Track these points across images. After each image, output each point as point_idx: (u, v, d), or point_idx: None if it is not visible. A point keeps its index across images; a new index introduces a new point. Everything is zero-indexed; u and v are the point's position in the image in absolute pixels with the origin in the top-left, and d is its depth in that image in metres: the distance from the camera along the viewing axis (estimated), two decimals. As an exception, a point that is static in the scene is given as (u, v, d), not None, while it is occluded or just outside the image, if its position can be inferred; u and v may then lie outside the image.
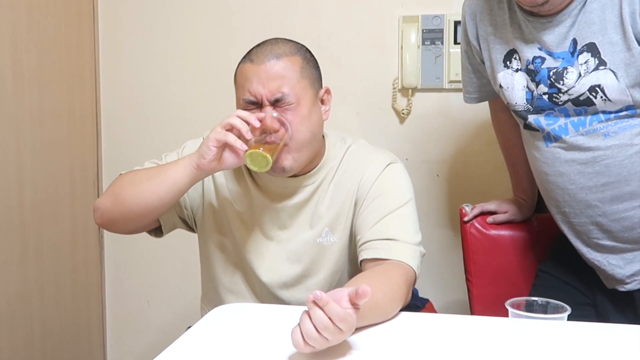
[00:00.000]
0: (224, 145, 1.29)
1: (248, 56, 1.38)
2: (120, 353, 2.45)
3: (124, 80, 2.31)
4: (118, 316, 2.43)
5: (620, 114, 1.37)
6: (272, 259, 1.45)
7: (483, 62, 1.56)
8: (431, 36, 2.05)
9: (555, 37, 1.39)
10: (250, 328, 1.20)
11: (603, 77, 1.35)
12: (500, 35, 1.49)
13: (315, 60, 1.44)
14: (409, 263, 1.31)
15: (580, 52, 1.37)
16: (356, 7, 2.12)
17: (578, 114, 1.40)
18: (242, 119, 1.29)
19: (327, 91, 1.45)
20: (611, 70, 1.34)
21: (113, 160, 2.34)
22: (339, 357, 1.03)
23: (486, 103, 1.74)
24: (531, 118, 1.46)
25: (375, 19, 2.11)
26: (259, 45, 1.40)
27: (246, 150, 1.27)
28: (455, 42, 2.03)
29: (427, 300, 1.68)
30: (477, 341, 1.13)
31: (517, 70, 1.46)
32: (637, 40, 1.32)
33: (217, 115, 1.36)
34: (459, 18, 1.64)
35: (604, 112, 1.38)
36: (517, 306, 1.03)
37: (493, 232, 1.76)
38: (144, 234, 1.50)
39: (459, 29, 1.97)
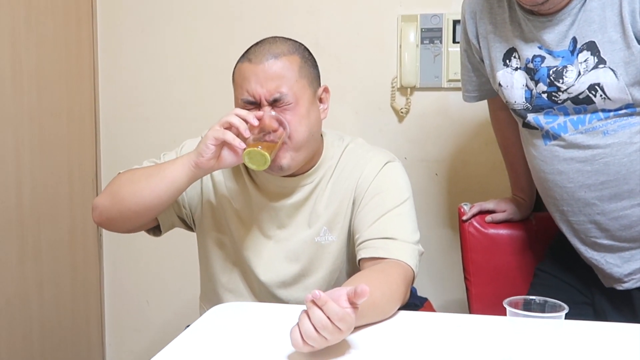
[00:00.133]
0: (223, 144, 1.29)
1: (246, 55, 1.38)
2: (119, 352, 2.45)
3: (122, 79, 2.31)
4: (117, 315, 2.43)
5: (620, 112, 1.37)
6: (270, 257, 1.45)
7: (482, 61, 1.56)
8: (430, 35, 2.05)
9: (555, 35, 1.39)
10: (249, 327, 1.20)
11: (603, 76, 1.35)
12: (499, 34, 1.49)
13: (314, 59, 1.44)
14: (408, 262, 1.31)
15: (580, 51, 1.37)
16: (355, 6, 2.12)
17: (577, 112, 1.40)
18: (240, 117, 1.29)
19: (326, 90, 1.45)
20: (611, 69, 1.34)
21: (111, 160, 2.34)
22: (338, 356, 1.04)
23: (485, 102, 1.74)
24: (530, 116, 1.46)
25: (374, 18, 2.11)
26: (256, 44, 1.39)
27: (244, 149, 1.27)
28: (454, 41, 2.03)
29: (425, 299, 1.68)
30: (475, 340, 1.13)
31: (516, 69, 1.46)
32: (636, 39, 1.32)
33: (216, 114, 1.36)
34: (458, 17, 1.65)
35: (603, 110, 1.38)
36: (515, 305, 1.03)
37: (491, 231, 1.76)
38: (143, 233, 1.50)
39: (458, 28, 1.97)
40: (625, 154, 1.38)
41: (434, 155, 2.13)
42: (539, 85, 1.42)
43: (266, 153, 1.26)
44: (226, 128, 1.29)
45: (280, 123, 1.32)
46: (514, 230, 1.76)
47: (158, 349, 1.08)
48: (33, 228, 2.05)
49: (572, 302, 1.13)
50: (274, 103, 1.34)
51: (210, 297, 1.54)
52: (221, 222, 1.48)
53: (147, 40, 2.28)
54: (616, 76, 1.34)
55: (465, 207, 1.78)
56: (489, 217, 1.76)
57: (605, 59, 1.34)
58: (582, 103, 1.38)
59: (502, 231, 1.76)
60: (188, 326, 1.21)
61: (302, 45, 1.43)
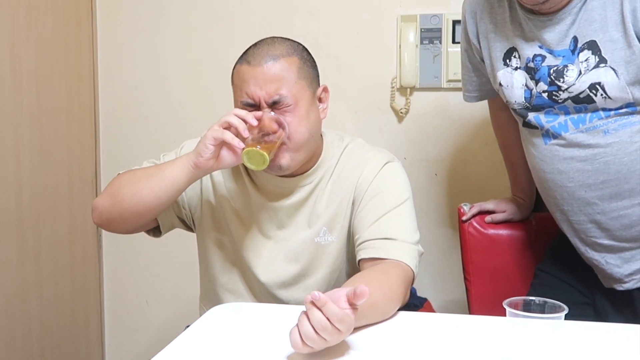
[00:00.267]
0: (222, 144, 1.29)
1: (245, 57, 1.37)
2: (118, 352, 2.45)
3: (122, 79, 2.31)
4: (116, 315, 2.43)
5: (620, 111, 1.37)
6: (270, 258, 1.45)
7: (483, 61, 1.56)
8: (429, 35, 2.05)
9: (556, 35, 1.39)
10: (249, 327, 1.20)
11: (603, 75, 1.35)
12: (500, 34, 1.49)
13: (313, 59, 1.43)
14: (407, 262, 1.31)
15: (581, 50, 1.37)
16: (355, 7, 2.12)
17: (578, 111, 1.40)
18: (239, 117, 1.29)
19: (325, 89, 1.44)
20: (611, 68, 1.34)
21: (111, 160, 2.33)
22: (338, 357, 1.03)
23: (485, 102, 1.74)
24: (531, 116, 1.46)
25: (373, 18, 2.11)
26: (255, 45, 1.39)
27: (243, 148, 1.27)
28: (454, 42, 2.03)
29: (425, 300, 1.68)
30: (474, 340, 1.13)
31: (516, 69, 1.46)
32: (637, 38, 1.32)
33: (216, 114, 1.36)
34: (458, 17, 1.64)
35: (604, 109, 1.38)
36: (514, 305, 1.03)
37: (491, 231, 1.75)
38: (142, 233, 1.50)
39: (458, 28, 1.98)
40: (625, 153, 1.38)
41: (433, 156, 2.12)
42: (539, 84, 1.42)
43: (265, 153, 1.26)
44: (225, 128, 1.29)
45: (280, 124, 1.32)
46: (514, 230, 1.76)
47: (158, 349, 1.08)
48: (33, 228, 2.05)
49: (573, 303, 1.13)
50: (274, 105, 1.34)
51: (210, 297, 1.54)
52: (220, 221, 1.48)
53: (146, 40, 2.28)
54: (617, 75, 1.34)
55: (465, 207, 1.78)
56: (488, 218, 1.75)
57: (606, 58, 1.34)
58: (583, 102, 1.38)
59: (502, 231, 1.76)
60: (188, 326, 1.21)
61: (301, 45, 1.43)
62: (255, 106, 1.34)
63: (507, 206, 1.76)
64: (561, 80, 1.39)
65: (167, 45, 2.26)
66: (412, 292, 1.41)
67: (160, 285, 2.38)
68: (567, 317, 1.02)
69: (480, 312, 1.56)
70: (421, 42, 2.06)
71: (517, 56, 1.46)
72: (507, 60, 1.48)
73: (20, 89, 1.98)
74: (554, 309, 1.02)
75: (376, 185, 1.41)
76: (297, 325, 1.01)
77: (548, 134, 1.45)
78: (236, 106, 1.38)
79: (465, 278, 1.78)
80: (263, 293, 1.47)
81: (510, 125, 1.66)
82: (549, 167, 1.46)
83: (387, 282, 1.23)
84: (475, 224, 1.76)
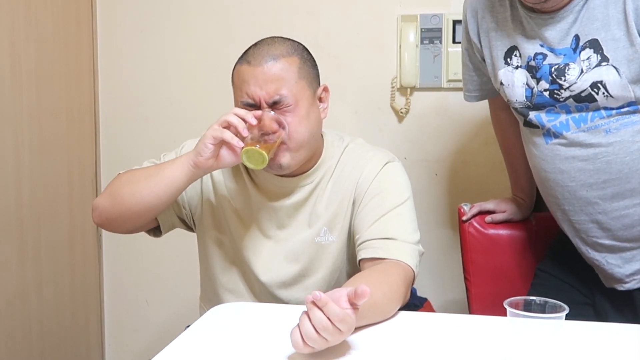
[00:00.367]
0: (221, 143, 1.29)
1: (245, 57, 1.37)
2: (118, 352, 2.45)
3: (122, 79, 2.31)
4: (116, 315, 2.43)
5: (622, 110, 1.37)
6: (270, 257, 1.45)
7: (484, 60, 1.55)
8: (430, 35, 2.05)
9: (557, 33, 1.39)
10: (249, 327, 1.20)
11: (605, 73, 1.35)
12: (501, 32, 1.49)
13: (313, 58, 1.43)
14: (408, 262, 1.31)
15: (583, 49, 1.37)
16: (355, 6, 2.12)
17: (579, 110, 1.40)
18: (239, 117, 1.29)
19: (325, 89, 1.44)
20: (613, 67, 1.34)
21: (111, 160, 2.33)
22: (338, 357, 1.03)
23: (485, 102, 1.74)
24: (532, 115, 1.46)
25: (373, 18, 2.11)
26: (255, 45, 1.39)
27: (242, 148, 1.27)
28: (454, 41, 2.03)
29: (425, 300, 1.68)
30: (475, 340, 1.13)
31: (517, 67, 1.46)
32: None
33: (216, 114, 1.35)
34: (458, 17, 1.64)
35: (605, 108, 1.38)
36: (515, 305, 1.03)
37: (491, 231, 1.75)
38: (142, 233, 1.50)
39: (458, 27, 1.98)
40: (627, 152, 1.38)
41: (433, 156, 2.12)
42: (540, 83, 1.42)
43: (264, 152, 1.26)
44: (225, 127, 1.29)
45: (280, 124, 1.32)
46: (514, 230, 1.76)
47: (158, 349, 1.08)
48: (33, 228, 2.05)
49: (573, 303, 1.13)
50: (274, 105, 1.33)
51: (210, 297, 1.54)
52: (220, 221, 1.48)
53: (146, 40, 2.28)
54: (619, 74, 1.34)
55: (465, 207, 1.78)
56: (489, 218, 1.75)
57: (609, 57, 1.34)
58: (584, 101, 1.38)
59: (502, 231, 1.76)
60: (188, 326, 1.21)
61: (301, 45, 1.43)
62: (255, 106, 1.34)
63: (507, 206, 1.76)
64: (562, 78, 1.39)
65: (167, 45, 2.26)
66: (413, 292, 1.41)
67: (160, 285, 2.38)
68: (567, 317, 1.01)
69: (480, 312, 1.56)
70: (421, 42, 2.06)
71: (518, 55, 1.46)
72: (508, 59, 1.48)
73: (20, 89, 1.97)
74: (555, 309, 1.02)
75: (376, 185, 1.40)
76: (298, 325, 1.01)
77: (549, 134, 1.45)
78: (236, 106, 1.37)
79: (465, 278, 1.78)
80: (263, 293, 1.47)
81: (511, 125, 1.66)
82: (550, 166, 1.46)
83: (387, 282, 1.23)
84: (475, 224, 1.76)
